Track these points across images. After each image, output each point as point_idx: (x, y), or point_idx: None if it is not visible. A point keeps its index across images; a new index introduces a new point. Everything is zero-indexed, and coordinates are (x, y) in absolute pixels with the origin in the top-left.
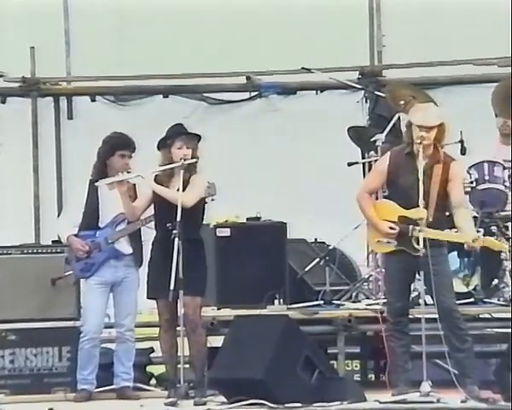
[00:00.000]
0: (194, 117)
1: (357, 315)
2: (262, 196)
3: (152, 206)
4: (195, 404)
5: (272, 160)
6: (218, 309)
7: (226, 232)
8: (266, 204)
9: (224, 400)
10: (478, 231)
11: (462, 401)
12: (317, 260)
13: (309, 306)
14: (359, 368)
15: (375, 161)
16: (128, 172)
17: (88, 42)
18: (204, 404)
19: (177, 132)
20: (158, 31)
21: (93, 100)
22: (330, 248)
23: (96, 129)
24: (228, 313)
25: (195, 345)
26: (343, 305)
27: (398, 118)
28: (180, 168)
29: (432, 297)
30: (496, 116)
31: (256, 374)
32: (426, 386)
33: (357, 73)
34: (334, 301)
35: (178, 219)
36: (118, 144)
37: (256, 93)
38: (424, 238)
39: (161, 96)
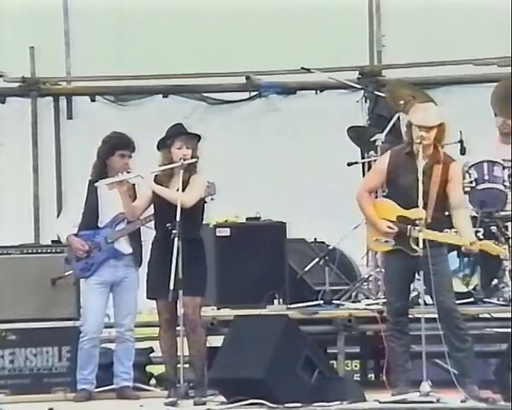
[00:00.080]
0: (193, 117)
1: (357, 315)
2: (261, 196)
3: (152, 206)
4: (195, 404)
5: (272, 160)
6: (218, 309)
7: (226, 232)
8: (266, 204)
9: (224, 400)
10: (477, 231)
11: (461, 401)
12: (317, 259)
13: (309, 306)
14: (359, 368)
15: (375, 160)
16: (128, 172)
17: (88, 42)
18: (204, 404)
19: (177, 132)
20: (158, 31)
21: (93, 100)
22: (330, 248)
23: (96, 129)
24: (228, 312)
25: (195, 345)
26: (343, 305)
27: (398, 118)
28: (180, 168)
29: (431, 297)
30: (495, 115)
31: (256, 374)
32: (426, 386)
33: (357, 72)
34: (333, 301)
35: (178, 219)
36: (117, 144)
37: (256, 93)
38: (424, 238)
39: (161, 96)
